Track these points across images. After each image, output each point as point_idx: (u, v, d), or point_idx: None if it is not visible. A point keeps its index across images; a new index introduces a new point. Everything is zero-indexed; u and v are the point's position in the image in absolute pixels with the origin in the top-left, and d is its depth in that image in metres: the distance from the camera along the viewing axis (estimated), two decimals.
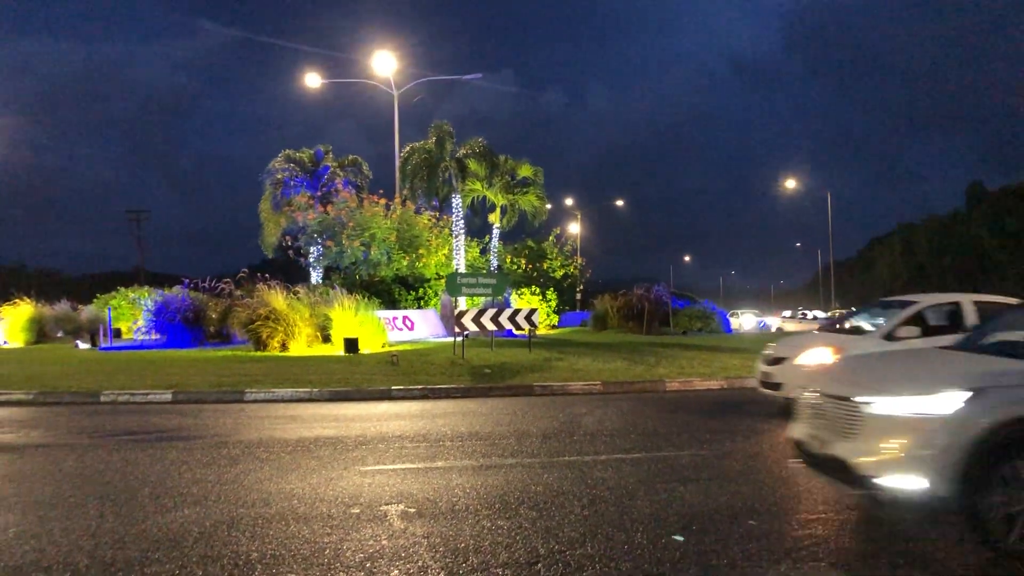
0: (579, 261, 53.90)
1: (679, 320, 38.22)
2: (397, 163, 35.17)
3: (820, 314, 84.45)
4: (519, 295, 39.41)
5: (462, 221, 34.75)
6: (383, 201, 33.15)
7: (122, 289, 37.80)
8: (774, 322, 57.95)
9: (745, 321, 53.88)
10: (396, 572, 4.72)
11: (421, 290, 32.24)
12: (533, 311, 20.68)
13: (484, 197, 37.10)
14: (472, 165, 34.87)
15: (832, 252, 74.11)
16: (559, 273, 49.56)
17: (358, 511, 6.04)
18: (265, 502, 6.33)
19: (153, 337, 27.57)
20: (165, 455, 8.58)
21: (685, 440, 9.14)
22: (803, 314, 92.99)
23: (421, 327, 28.58)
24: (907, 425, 4.94)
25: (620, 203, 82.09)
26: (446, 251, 34.66)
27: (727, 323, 42.50)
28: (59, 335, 33.33)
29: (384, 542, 5.27)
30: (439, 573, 4.70)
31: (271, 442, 9.30)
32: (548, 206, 40.75)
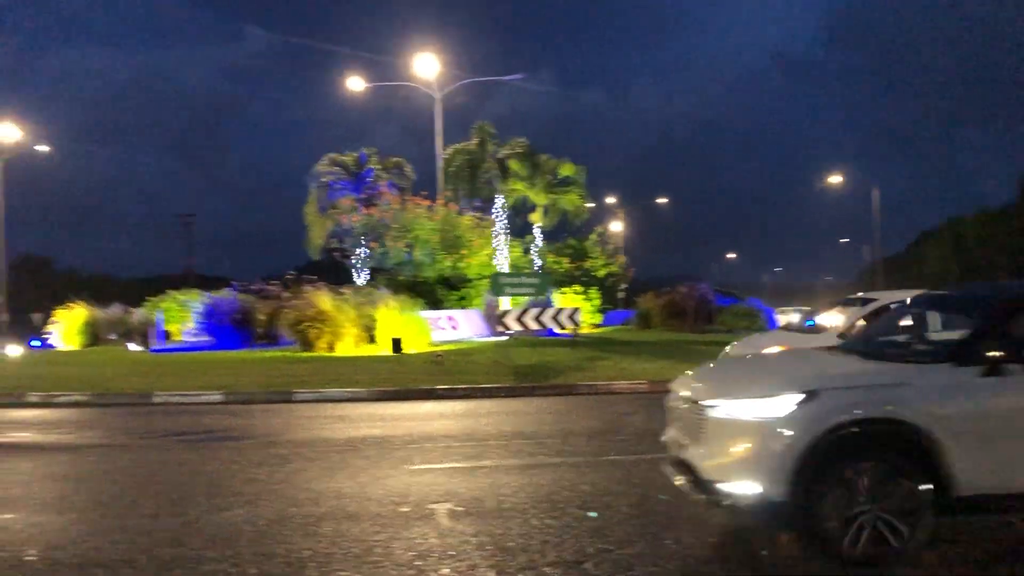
0: (622, 260, 53.61)
1: (724, 318, 37.73)
2: (440, 164, 35.37)
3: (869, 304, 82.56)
4: (561, 294, 39.37)
5: (504, 221, 34.85)
6: (426, 202, 33.39)
7: (172, 292, 38.54)
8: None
9: (793, 318, 53.13)
10: (446, 570, 4.76)
11: (464, 290, 32.35)
12: (576, 310, 20.69)
13: (525, 197, 37.14)
14: (514, 165, 34.95)
15: (879, 248, 72.78)
16: (602, 272, 49.30)
17: (407, 510, 6.09)
18: (315, 501, 6.43)
19: (202, 339, 28.05)
20: (217, 455, 8.74)
21: None
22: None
23: (464, 327, 28.69)
24: (746, 429, 4.81)
25: (663, 200, 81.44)
26: (488, 251, 34.77)
27: (773, 321, 41.92)
28: (111, 337, 34.06)
29: (433, 540, 5.31)
30: (488, 571, 4.73)
31: (320, 442, 9.43)
32: (590, 205, 40.69)
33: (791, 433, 4.61)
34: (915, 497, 4.57)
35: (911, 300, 6.93)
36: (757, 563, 4.97)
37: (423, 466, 7.77)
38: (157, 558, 5.08)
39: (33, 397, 14.18)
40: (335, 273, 34.73)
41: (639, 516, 5.83)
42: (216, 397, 13.73)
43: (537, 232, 38.48)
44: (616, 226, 62.82)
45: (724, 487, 4.75)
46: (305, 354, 21.41)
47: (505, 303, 28.79)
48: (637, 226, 68.62)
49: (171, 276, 65.03)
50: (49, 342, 33.00)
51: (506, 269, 33.91)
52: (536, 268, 38.52)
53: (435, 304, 29.97)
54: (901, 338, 6.36)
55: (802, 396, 4.69)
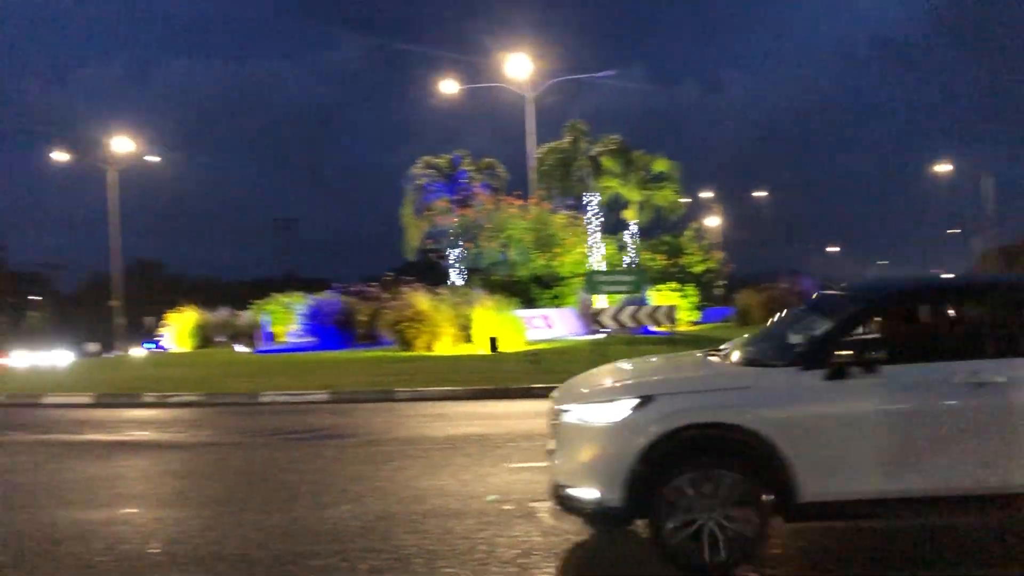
0: (719, 255, 52.58)
1: None
2: (532, 163, 35.48)
3: None
4: (657, 291, 38.88)
5: (598, 219, 34.67)
6: (519, 202, 33.54)
7: (276, 295, 39.86)
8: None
9: None
10: (550, 569, 4.75)
11: (557, 288, 32.36)
12: (672, 307, 20.37)
13: (619, 194, 36.87)
14: (607, 162, 34.77)
15: (991, 238, 69.15)
16: (698, 268, 48.40)
17: (510, 507, 6.11)
18: (419, 498, 6.51)
19: (306, 340, 28.90)
20: (322, 452, 8.98)
21: None
22: None
23: (559, 325, 28.68)
24: (589, 434, 4.72)
25: (761, 194, 79.46)
26: (582, 249, 34.66)
27: None
28: (220, 339, 35.45)
29: (536, 539, 5.31)
30: (592, 571, 4.69)
31: (421, 439, 9.57)
32: (685, 200, 40.07)
33: (624, 438, 4.54)
34: (757, 503, 4.41)
35: (806, 301, 6.64)
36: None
37: (523, 464, 7.78)
38: (271, 553, 5.24)
39: (149, 397, 14.88)
40: (431, 274, 35.27)
41: None
42: (320, 396, 14.11)
43: (631, 229, 38.13)
44: (713, 221, 61.58)
45: (571, 492, 4.73)
46: (405, 353, 21.80)
47: (600, 301, 28.65)
48: (735, 221, 67.08)
49: (273, 279, 67.31)
50: (161, 344, 34.61)
51: (600, 267, 33.73)
52: (630, 265, 38.18)
53: (529, 303, 30.07)
54: (793, 340, 5.86)
55: (636, 401, 4.63)
